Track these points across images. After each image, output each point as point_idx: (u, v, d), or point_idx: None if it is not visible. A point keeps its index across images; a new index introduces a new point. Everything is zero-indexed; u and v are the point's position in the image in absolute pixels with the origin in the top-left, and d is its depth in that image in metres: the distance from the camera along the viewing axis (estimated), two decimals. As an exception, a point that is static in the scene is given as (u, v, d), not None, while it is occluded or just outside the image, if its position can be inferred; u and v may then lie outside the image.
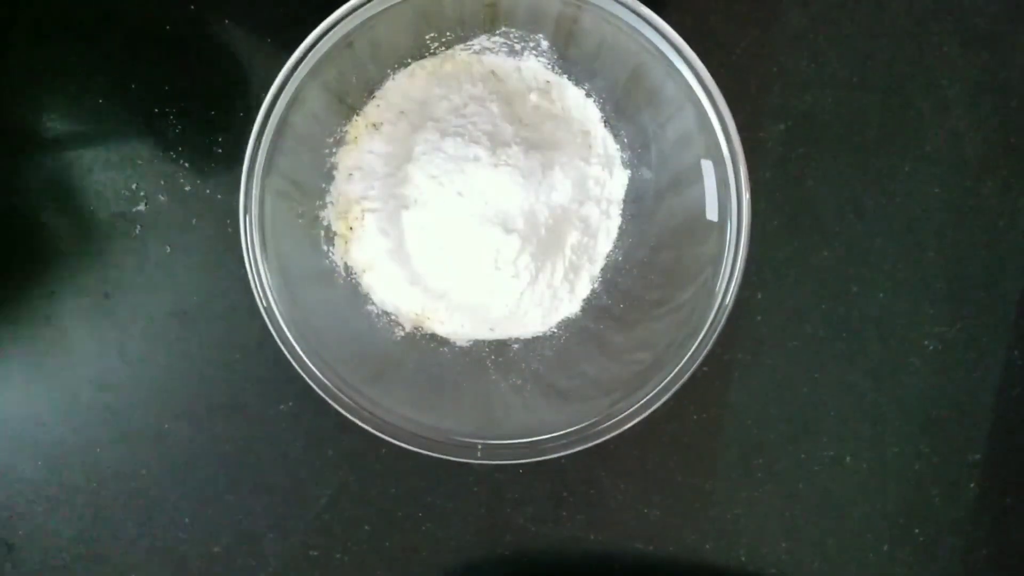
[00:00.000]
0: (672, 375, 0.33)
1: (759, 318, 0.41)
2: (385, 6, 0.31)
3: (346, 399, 0.32)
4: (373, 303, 0.38)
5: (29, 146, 0.39)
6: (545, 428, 0.33)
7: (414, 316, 0.38)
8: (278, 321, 0.32)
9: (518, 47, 0.37)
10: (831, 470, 0.42)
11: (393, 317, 0.38)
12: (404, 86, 0.37)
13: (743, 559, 0.43)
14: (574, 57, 0.37)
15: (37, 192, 0.39)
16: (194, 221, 0.39)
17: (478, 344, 0.38)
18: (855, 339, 0.42)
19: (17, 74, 0.38)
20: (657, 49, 0.32)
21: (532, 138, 0.37)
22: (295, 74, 0.31)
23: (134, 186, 0.39)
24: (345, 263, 0.37)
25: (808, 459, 0.42)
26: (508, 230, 0.36)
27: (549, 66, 0.38)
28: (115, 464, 0.41)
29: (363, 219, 0.37)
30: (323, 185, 0.37)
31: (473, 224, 0.36)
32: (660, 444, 0.42)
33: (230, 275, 0.39)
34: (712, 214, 0.34)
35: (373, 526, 0.42)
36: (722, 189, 0.33)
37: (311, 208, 0.36)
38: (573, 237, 0.38)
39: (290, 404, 0.40)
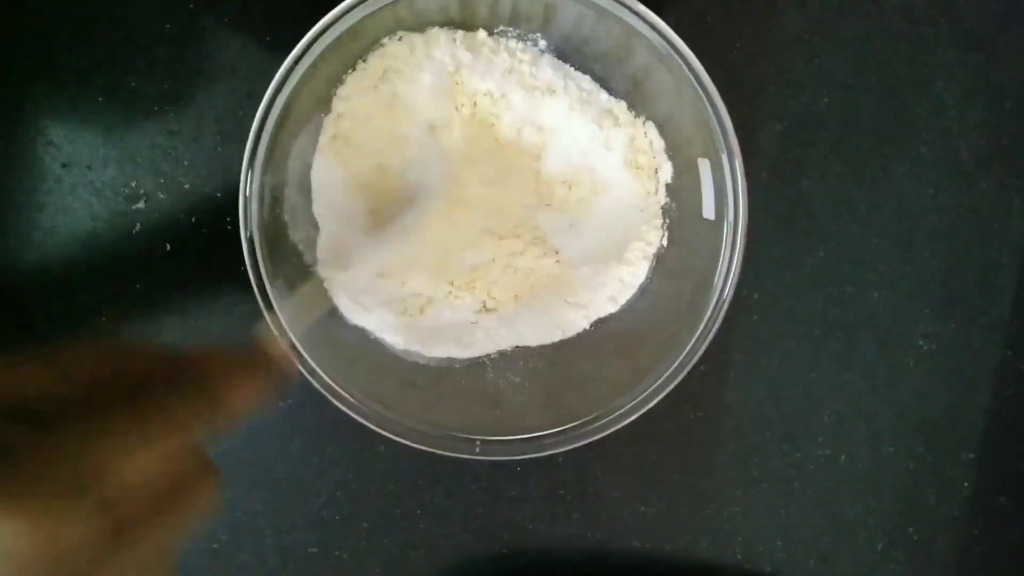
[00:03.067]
0: (668, 374, 0.33)
1: (755, 318, 0.41)
2: (383, 4, 0.31)
3: (346, 396, 0.32)
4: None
5: (28, 144, 0.39)
6: (542, 425, 0.33)
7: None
8: (278, 318, 0.32)
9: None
10: (826, 469, 0.43)
11: (392, 315, 0.38)
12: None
13: (739, 557, 0.43)
14: (572, 57, 0.37)
15: (36, 190, 0.39)
16: (193, 219, 0.39)
17: (476, 342, 0.38)
18: (850, 339, 0.42)
19: (16, 72, 0.38)
20: (655, 48, 0.32)
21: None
22: (295, 71, 0.31)
23: (133, 184, 0.39)
24: (344, 261, 0.37)
25: (803, 458, 0.43)
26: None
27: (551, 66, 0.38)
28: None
29: (362, 217, 0.37)
30: (322, 183, 0.37)
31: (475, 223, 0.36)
32: (657, 442, 0.42)
33: (229, 273, 0.39)
34: (709, 213, 0.34)
35: (371, 524, 0.42)
36: (719, 188, 0.33)
37: (311, 206, 0.36)
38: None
39: (289, 401, 0.40)
